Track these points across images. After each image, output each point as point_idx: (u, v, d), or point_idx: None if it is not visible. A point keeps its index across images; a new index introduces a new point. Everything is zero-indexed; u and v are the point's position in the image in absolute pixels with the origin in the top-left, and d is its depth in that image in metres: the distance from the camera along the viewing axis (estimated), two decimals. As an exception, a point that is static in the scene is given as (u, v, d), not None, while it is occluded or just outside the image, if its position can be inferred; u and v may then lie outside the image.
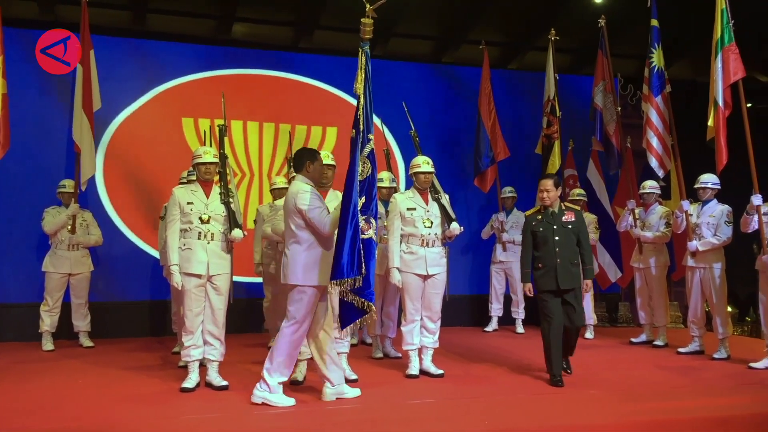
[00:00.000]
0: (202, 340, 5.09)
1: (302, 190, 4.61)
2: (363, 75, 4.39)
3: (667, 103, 7.18)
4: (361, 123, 4.32)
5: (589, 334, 7.72)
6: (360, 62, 4.42)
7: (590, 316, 7.65)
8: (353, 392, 4.79)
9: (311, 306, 4.60)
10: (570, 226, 5.34)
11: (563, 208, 5.43)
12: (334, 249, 4.36)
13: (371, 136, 4.38)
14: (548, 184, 5.35)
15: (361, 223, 4.29)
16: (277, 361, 4.56)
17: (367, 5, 4.43)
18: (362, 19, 4.41)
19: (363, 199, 4.31)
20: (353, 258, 4.22)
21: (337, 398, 4.69)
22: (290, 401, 4.56)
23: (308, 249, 4.59)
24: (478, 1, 8.87)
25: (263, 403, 4.52)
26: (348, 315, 4.37)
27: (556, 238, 5.32)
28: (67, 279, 7.08)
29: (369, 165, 4.33)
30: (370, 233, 4.30)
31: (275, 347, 4.62)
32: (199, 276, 5.02)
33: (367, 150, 4.36)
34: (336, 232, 4.43)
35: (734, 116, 6.10)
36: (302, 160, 4.77)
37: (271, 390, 4.55)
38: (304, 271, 4.56)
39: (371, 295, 4.32)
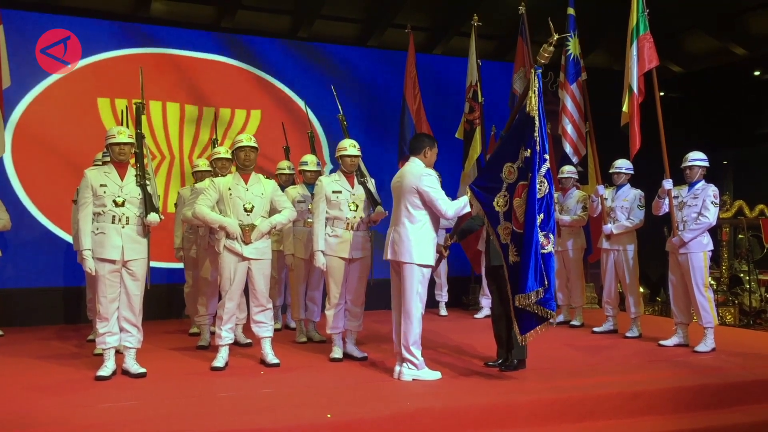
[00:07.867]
0: (118, 326, 4.95)
1: (426, 173, 4.84)
2: (536, 96, 4.55)
3: (582, 90, 7.36)
4: (538, 144, 4.50)
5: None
6: (532, 85, 4.58)
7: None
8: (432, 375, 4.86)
9: (427, 282, 4.85)
10: None
11: None
12: (519, 265, 4.51)
13: (546, 156, 4.57)
14: None
15: (541, 239, 4.50)
16: (413, 340, 4.76)
17: (555, 34, 4.54)
18: (546, 46, 4.53)
19: (541, 216, 4.51)
20: (536, 272, 4.45)
21: (414, 379, 4.80)
22: (437, 374, 4.84)
23: (422, 228, 4.82)
24: (403, -16, 8.87)
25: (414, 380, 4.78)
26: (528, 323, 4.55)
27: None
28: (-27, 265, 6.75)
29: (546, 183, 4.52)
30: (549, 248, 4.53)
31: (407, 329, 4.74)
32: (113, 261, 4.87)
33: (543, 169, 4.54)
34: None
35: (648, 104, 6.31)
36: (422, 145, 4.99)
37: (419, 367, 4.79)
38: (418, 251, 4.77)
39: (553, 304, 4.52)
